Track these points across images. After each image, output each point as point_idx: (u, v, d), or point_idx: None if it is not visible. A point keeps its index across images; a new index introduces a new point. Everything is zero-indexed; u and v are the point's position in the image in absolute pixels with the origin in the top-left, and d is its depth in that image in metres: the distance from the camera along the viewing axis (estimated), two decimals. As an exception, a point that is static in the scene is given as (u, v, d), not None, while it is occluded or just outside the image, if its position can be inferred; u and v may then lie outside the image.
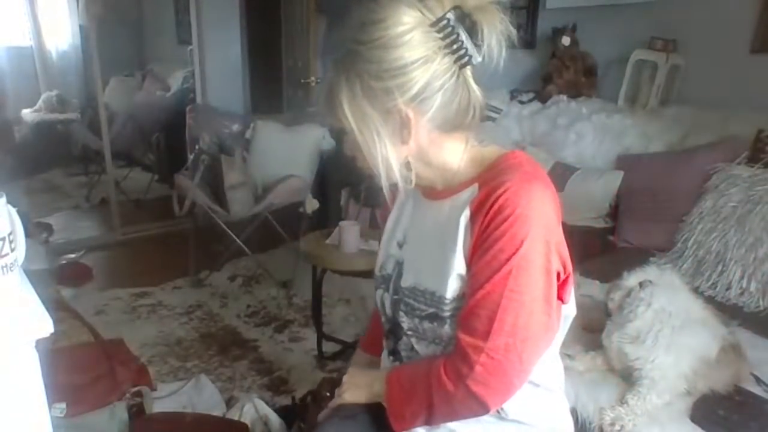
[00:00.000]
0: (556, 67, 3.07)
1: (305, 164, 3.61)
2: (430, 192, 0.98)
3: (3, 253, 0.79)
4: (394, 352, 1.06)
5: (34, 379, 0.79)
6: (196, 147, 3.56)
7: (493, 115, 3.22)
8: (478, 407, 0.88)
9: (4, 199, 0.79)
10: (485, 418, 0.94)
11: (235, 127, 3.84)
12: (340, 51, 0.87)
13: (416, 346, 1.00)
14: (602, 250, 2.38)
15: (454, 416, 0.94)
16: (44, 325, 0.77)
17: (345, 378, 1.10)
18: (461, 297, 0.90)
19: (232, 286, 3.37)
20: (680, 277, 1.62)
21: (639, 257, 2.03)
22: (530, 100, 3.18)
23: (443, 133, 0.89)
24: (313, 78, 4.16)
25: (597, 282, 1.96)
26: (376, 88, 0.83)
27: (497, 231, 0.83)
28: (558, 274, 0.89)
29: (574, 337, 1.67)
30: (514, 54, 0.84)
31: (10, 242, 0.80)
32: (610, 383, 1.47)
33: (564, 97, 3.02)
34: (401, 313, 1.00)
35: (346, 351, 2.59)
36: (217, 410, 2.05)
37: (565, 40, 2.98)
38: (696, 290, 1.76)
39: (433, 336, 0.96)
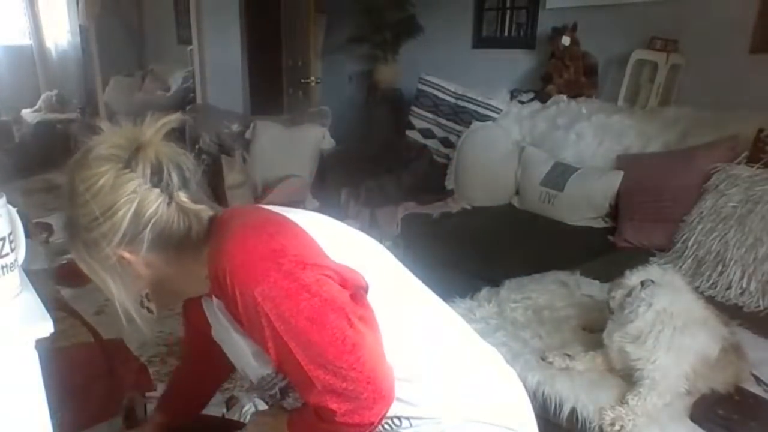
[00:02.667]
0: (556, 67, 3.07)
1: (305, 164, 3.61)
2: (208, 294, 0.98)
3: (3, 253, 0.78)
4: None
5: (34, 379, 0.79)
6: (196, 147, 3.56)
7: (493, 115, 3.22)
8: (367, 426, 0.85)
9: (4, 199, 0.79)
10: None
11: (235, 127, 3.83)
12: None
13: None
14: (602, 250, 2.38)
15: None
16: (44, 325, 0.77)
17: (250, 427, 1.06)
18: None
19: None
20: (681, 277, 1.62)
21: (639, 257, 2.03)
22: (530, 100, 3.18)
23: (178, 253, 0.90)
24: (313, 78, 4.16)
25: (597, 282, 1.96)
26: (89, 240, 0.86)
27: (233, 301, 0.83)
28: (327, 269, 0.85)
29: (574, 337, 1.67)
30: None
31: (10, 242, 0.80)
32: (610, 383, 1.47)
33: (564, 97, 3.02)
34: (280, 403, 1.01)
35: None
36: (217, 410, 2.05)
37: (565, 40, 2.98)
38: (696, 290, 1.75)
39: (300, 404, 0.95)
